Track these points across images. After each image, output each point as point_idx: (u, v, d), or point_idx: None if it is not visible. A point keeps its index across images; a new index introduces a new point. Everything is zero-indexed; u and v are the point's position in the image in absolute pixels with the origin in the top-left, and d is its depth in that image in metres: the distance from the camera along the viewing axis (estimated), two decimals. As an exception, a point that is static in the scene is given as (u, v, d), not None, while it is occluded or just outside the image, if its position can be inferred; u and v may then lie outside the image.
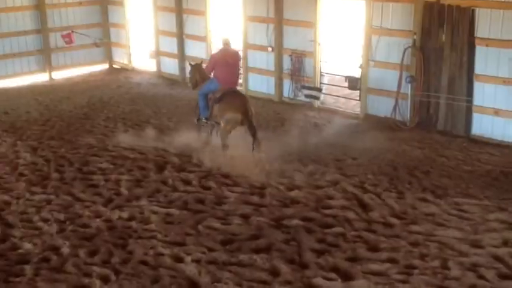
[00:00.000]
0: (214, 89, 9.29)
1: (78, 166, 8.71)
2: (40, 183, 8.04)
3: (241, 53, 11.77)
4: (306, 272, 5.64)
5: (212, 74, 9.50)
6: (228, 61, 9.29)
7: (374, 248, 6.12)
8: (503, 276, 5.50)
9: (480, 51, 9.89)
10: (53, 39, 15.49)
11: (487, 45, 9.78)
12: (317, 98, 12.32)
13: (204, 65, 9.94)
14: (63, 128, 10.80)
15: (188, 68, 10.51)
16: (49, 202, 7.41)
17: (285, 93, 12.95)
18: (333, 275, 5.57)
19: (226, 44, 9.53)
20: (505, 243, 6.16)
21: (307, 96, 12.38)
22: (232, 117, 8.79)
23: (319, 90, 12.34)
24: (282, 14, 12.60)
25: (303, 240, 6.26)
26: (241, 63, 10.45)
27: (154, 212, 7.04)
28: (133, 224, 6.73)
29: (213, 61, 9.45)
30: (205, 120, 9.56)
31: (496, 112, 9.87)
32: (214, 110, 9.24)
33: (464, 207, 7.13)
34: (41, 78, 15.34)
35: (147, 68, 16.11)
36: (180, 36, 14.77)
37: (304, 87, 12.39)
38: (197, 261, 5.83)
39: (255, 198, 7.50)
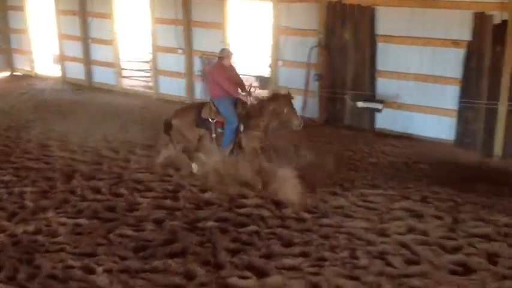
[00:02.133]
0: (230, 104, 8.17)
1: (-22, 180, 8.21)
2: None
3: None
4: (221, 272, 5.63)
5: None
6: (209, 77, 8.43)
7: (287, 244, 6.22)
8: (409, 262, 5.76)
9: (381, 47, 10.33)
10: None
11: (387, 42, 10.25)
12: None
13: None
14: (-40, 140, 10.16)
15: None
16: None
17: (197, 95, 12.92)
18: (247, 273, 5.60)
19: (223, 57, 8.18)
20: (410, 230, 6.47)
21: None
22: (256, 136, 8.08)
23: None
24: (190, 15, 12.56)
25: (218, 241, 6.26)
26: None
27: (62, 224, 6.75)
28: (40, 237, 6.41)
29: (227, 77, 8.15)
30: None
31: (398, 106, 10.36)
32: None
33: (370, 198, 7.44)
34: None
35: (51, 73, 15.51)
36: (85, 40, 14.34)
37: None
38: (109, 271, 5.65)
39: (168, 202, 7.40)
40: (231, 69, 8.36)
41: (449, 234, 6.33)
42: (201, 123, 8.23)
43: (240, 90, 8.08)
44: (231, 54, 8.36)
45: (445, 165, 8.78)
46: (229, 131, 8.02)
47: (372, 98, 10.62)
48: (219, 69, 8.15)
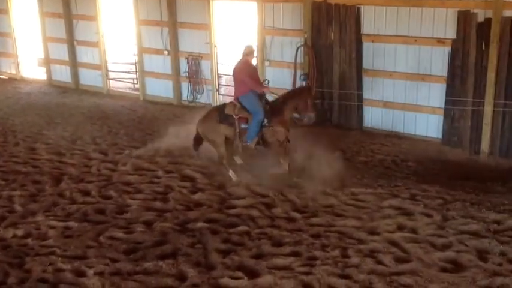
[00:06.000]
0: (257, 99, 8.30)
1: (-35, 185, 8.13)
2: None
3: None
4: (212, 273, 5.64)
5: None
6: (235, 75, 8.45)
7: (278, 243, 6.23)
8: (400, 260, 5.79)
9: (367, 47, 10.40)
10: None
11: (372, 41, 10.31)
12: None
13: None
14: None
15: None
16: None
17: (184, 96, 12.89)
18: (239, 274, 5.61)
19: (246, 54, 8.35)
20: (400, 228, 6.51)
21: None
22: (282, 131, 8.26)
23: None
24: (175, 16, 12.54)
25: (209, 242, 6.26)
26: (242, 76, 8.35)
27: (52, 227, 6.70)
28: (30, 241, 6.37)
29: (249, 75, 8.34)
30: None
31: (385, 104, 10.44)
32: None
33: (360, 196, 7.48)
34: None
35: (36, 76, 15.39)
36: (71, 43, 14.25)
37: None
38: (100, 273, 5.63)
39: (158, 204, 7.39)
40: (252, 65, 8.67)
41: (439, 232, 6.38)
42: (224, 119, 8.28)
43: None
44: (254, 50, 8.56)
45: (433, 163, 8.86)
46: (255, 123, 8.14)
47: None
48: (243, 66, 8.32)
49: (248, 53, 8.34)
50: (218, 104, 12.39)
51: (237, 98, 8.31)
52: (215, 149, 8.43)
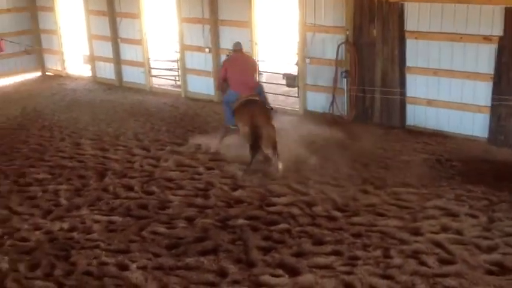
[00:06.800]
0: (233, 99, 8.97)
1: (14, 178, 8.38)
2: (-26, 199, 7.70)
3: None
4: (253, 270, 5.67)
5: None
6: (240, 67, 9.07)
7: (319, 242, 6.22)
8: (444, 262, 5.69)
9: (410, 44, 10.23)
10: (-19, 48, 14.87)
11: (416, 38, 10.13)
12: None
13: None
14: (-4, 140, 10.39)
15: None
16: (-16, 217, 7.11)
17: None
18: (279, 271, 5.62)
19: (238, 49, 9.29)
20: (444, 229, 6.40)
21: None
22: (242, 130, 8.53)
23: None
24: (217, 14, 12.59)
25: (249, 239, 6.29)
26: (256, 67, 9.93)
27: (96, 221, 6.88)
28: (75, 234, 6.55)
29: (223, 69, 9.21)
30: (233, 127, 9.15)
31: (429, 102, 10.24)
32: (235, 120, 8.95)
33: (403, 196, 7.36)
34: (-31, 89, 14.72)
35: (81, 73, 15.73)
36: (115, 40, 14.50)
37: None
38: (143, 267, 5.74)
39: (199, 200, 7.47)
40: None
41: (485, 234, 6.23)
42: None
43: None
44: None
45: (479, 162, 8.63)
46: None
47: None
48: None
49: (239, 48, 9.30)
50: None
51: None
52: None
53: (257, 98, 8.96)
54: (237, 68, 9.13)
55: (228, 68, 9.17)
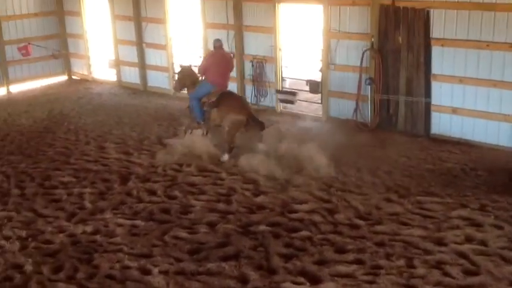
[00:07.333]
0: (207, 92, 9.46)
1: (39, 181, 8.52)
2: (0, 200, 7.83)
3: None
4: (274, 277, 5.66)
5: (203, 77, 9.69)
6: (220, 63, 9.59)
7: (341, 250, 6.18)
8: (468, 273, 5.62)
9: (436, 51, 10.12)
10: (9, 52, 15.11)
11: (442, 45, 10.03)
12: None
13: (193, 68, 10.20)
14: (22, 142, 10.56)
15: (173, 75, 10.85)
16: (10, 219, 7.23)
17: (248, 99, 12.97)
18: (301, 279, 5.60)
19: (219, 46, 9.80)
20: (468, 239, 6.31)
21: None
22: (236, 119, 9.01)
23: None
24: (241, 20, 12.63)
25: (271, 246, 6.28)
26: (232, 65, 10.48)
27: (120, 225, 6.95)
28: (98, 237, 6.63)
29: (205, 63, 9.70)
30: (201, 123, 9.68)
31: (454, 110, 10.12)
32: (212, 115, 9.36)
33: (427, 205, 7.28)
34: (-3, 92, 14.99)
35: (107, 78, 15.91)
36: (140, 45, 14.65)
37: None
38: (165, 272, 5.78)
39: (221, 206, 7.49)
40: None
41: (510, 245, 6.13)
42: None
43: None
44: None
45: (504, 172, 8.48)
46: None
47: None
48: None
49: (220, 45, 9.80)
50: (280, 107, 12.46)
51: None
52: None
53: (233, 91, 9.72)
54: (217, 61, 9.60)
55: (209, 59, 9.72)
